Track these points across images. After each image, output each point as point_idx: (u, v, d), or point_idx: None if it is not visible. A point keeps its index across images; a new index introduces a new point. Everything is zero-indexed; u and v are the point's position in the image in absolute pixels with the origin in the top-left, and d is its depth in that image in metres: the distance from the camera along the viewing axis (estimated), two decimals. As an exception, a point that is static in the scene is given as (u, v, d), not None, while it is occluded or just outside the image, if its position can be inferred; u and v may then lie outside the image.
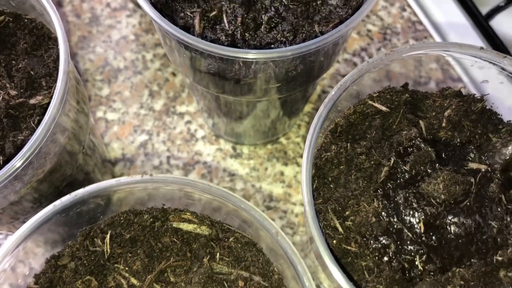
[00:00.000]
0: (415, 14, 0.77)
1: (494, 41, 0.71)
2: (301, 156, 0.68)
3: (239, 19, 0.48)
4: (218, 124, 0.67)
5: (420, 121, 0.44)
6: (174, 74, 0.72)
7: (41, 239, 0.45)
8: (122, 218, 0.42)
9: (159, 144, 0.68)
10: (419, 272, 0.40)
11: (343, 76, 0.73)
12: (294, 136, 0.69)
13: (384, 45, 0.75)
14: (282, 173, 0.67)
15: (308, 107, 0.71)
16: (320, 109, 0.41)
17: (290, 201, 0.66)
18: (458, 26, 0.75)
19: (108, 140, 0.68)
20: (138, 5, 0.76)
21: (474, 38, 0.73)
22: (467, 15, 0.75)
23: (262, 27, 0.48)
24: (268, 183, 0.67)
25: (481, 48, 0.44)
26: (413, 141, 0.43)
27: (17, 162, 0.39)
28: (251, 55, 0.42)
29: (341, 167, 0.43)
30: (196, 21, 0.48)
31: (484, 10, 0.74)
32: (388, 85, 0.47)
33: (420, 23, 0.76)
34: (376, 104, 0.45)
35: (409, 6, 0.77)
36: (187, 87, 0.71)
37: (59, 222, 0.43)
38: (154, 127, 0.69)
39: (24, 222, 0.53)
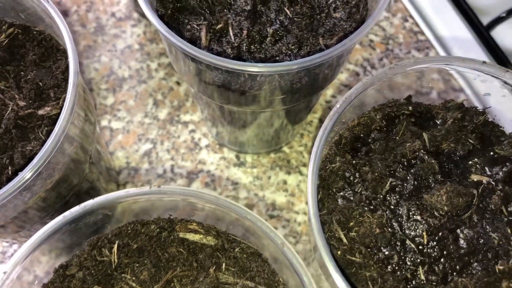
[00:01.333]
0: (417, 25, 0.78)
1: (495, 51, 0.72)
2: (304, 165, 0.69)
3: (245, 32, 0.48)
4: (222, 133, 0.67)
5: (424, 133, 0.45)
6: (178, 83, 0.73)
7: (47, 247, 0.45)
8: (129, 228, 0.43)
9: (163, 153, 0.69)
10: (422, 282, 0.41)
11: (345, 86, 0.74)
12: (297, 145, 0.70)
13: (386, 55, 0.76)
14: (285, 182, 0.68)
15: (310, 117, 0.72)
16: (326, 121, 0.41)
17: (293, 210, 0.66)
18: (460, 37, 0.75)
19: (112, 149, 0.69)
20: (143, 15, 0.77)
21: (475, 49, 0.74)
22: (468, 25, 0.76)
23: (267, 39, 0.49)
24: (271, 192, 0.67)
25: (484, 62, 0.44)
26: (417, 153, 0.44)
27: (27, 173, 0.39)
28: (257, 68, 0.43)
29: (345, 178, 0.44)
30: (203, 33, 0.48)
31: (485, 20, 0.75)
32: (392, 98, 0.47)
33: (422, 33, 0.77)
34: (379, 117, 0.46)
35: (411, 16, 0.78)
36: (192, 96, 0.71)
37: (66, 232, 0.43)
38: (158, 136, 0.70)
39: (30, 231, 0.54)
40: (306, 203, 0.67)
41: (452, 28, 0.76)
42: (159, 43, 0.76)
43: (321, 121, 0.71)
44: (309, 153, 0.69)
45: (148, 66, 0.74)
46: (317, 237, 0.38)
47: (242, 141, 0.68)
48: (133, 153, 0.69)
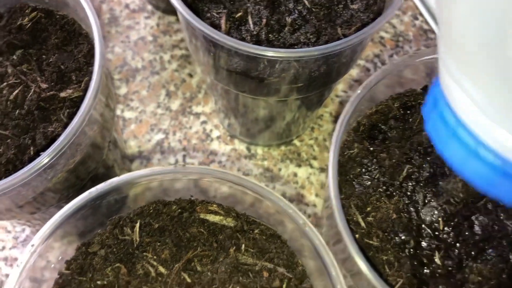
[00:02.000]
0: (427, 23, 0.79)
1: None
2: (315, 158, 0.70)
3: (264, 20, 0.49)
4: (234, 124, 0.68)
5: (440, 122, 0.46)
6: (190, 75, 0.74)
7: (59, 233, 0.46)
8: (151, 208, 0.43)
9: (175, 143, 0.70)
10: (438, 267, 0.41)
11: (356, 81, 0.75)
12: (308, 138, 0.71)
13: (396, 52, 0.76)
14: (295, 174, 0.69)
15: (321, 111, 0.72)
16: (347, 106, 0.42)
17: (303, 202, 0.67)
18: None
19: (125, 138, 0.69)
20: (156, 7, 0.78)
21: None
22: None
23: (286, 28, 0.49)
24: (281, 184, 0.68)
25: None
26: (433, 141, 0.45)
27: (55, 149, 0.40)
28: (279, 53, 0.44)
29: (363, 164, 0.45)
30: (222, 21, 0.49)
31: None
32: (410, 88, 0.48)
33: (432, 31, 0.78)
34: (397, 105, 0.47)
35: (421, 14, 0.79)
36: (207, 87, 0.72)
37: (82, 216, 0.44)
38: (171, 126, 0.70)
39: (44, 213, 0.54)
40: (316, 195, 0.68)
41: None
42: (172, 35, 0.76)
43: (331, 115, 0.72)
44: (320, 146, 0.70)
45: (161, 58, 0.75)
46: (338, 218, 0.38)
47: (253, 133, 0.68)
48: (146, 142, 0.69)
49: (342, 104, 0.73)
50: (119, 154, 0.60)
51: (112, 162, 0.58)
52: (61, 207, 0.50)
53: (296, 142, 0.71)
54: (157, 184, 0.47)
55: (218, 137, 0.71)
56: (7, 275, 0.61)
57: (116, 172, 0.61)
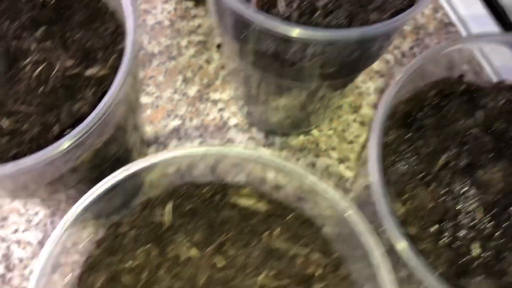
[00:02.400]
0: (447, 16, 0.78)
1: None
2: (333, 149, 0.68)
3: (295, 3, 0.48)
4: (253, 112, 0.67)
5: (477, 112, 0.45)
6: (208, 62, 0.72)
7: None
8: (183, 189, 0.42)
9: (192, 130, 0.68)
10: (476, 258, 0.40)
11: (376, 72, 0.74)
12: (327, 128, 0.70)
13: (416, 44, 0.75)
14: (313, 165, 0.68)
15: (341, 101, 0.71)
16: (389, 89, 0.41)
17: (321, 192, 0.66)
18: (489, 32, 0.76)
19: (142, 122, 0.68)
20: (174, -8, 0.76)
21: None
22: (497, 21, 0.76)
23: (318, 12, 0.48)
24: (299, 174, 0.67)
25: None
26: (470, 131, 0.44)
27: (84, 127, 0.39)
28: (317, 35, 0.43)
29: (399, 152, 0.44)
30: (253, 2, 0.48)
31: (514, 17, 0.75)
32: (445, 76, 0.47)
33: (452, 25, 0.77)
34: (433, 93, 0.46)
35: (441, 8, 0.78)
36: (227, 73, 0.71)
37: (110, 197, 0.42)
38: (187, 113, 0.69)
39: (59, 196, 0.53)
40: (336, 186, 0.67)
41: (482, 23, 0.76)
42: (190, 20, 0.75)
43: (351, 106, 0.71)
44: (339, 137, 0.69)
45: (178, 43, 0.73)
46: (381, 203, 0.37)
47: (272, 122, 0.67)
48: (162, 128, 0.68)
49: (361, 95, 0.72)
50: (139, 138, 0.59)
51: (132, 146, 0.56)
52: (78, 188, 0.49)
53: (314, 132, 0.70)
54: (174, 169, 0.45)
55: (236, 125, 0.69)
56: (19, 258, 0.59)
57: (134, 157, 0.59)
